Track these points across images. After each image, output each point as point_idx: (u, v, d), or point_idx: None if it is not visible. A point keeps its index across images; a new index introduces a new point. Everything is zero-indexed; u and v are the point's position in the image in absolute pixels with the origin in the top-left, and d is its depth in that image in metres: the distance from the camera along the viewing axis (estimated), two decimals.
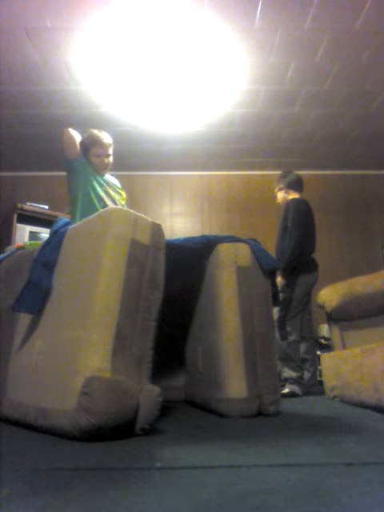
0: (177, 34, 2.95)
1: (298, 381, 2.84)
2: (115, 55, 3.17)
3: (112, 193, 2.61)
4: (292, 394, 2.78)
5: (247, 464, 0.98)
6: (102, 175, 2.61)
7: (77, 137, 2.50)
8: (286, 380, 2.87)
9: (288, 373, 2.87)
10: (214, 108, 3.88)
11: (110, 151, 2.60)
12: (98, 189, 2.52)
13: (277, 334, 2.91)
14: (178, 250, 1.99)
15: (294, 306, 2.94)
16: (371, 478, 0.87)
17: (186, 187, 5.20)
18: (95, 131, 2.59)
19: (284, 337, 2.90)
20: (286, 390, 2.82)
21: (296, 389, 2.82)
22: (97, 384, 1.28)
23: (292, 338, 2.90)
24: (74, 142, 2.46)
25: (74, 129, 2.56)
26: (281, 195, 3.30)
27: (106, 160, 2.58)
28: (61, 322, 1.54)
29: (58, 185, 4.95)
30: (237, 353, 1.86)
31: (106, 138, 2.59)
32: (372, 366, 2.02)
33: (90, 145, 2.54)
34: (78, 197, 2.50)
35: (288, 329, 2.91)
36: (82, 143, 2.54)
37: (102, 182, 2.59)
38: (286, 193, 3.24)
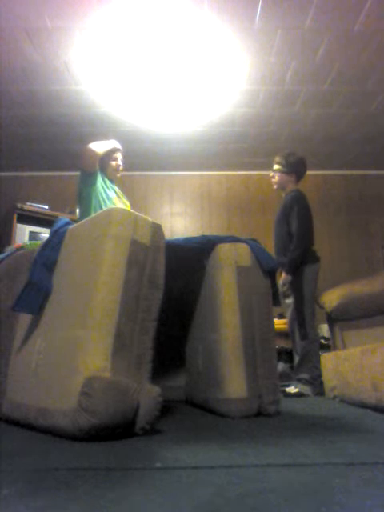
0: (177, 34, 2.95)
1: (310, 381, 2.76)
2: (115, 55, 3.17)
3: (119, 204, 2.78)
4: (300, 394, 2.73)
5: (247, 464, 0.98)
6: (113, 182, 2.86)
7: (101, 148, 2.66)
8: (300, 380, 2.80)
9: (302, 374, 2.79)
10: (214, 108, 3.88)
11: (122, 157, 2.91)
12: (108, 202, 2.70)
13: (296, 334, 2.83)
14: (178, 250, 1.99)
15: (308, 300, 2.85)
16: (371, 478, 0.87)
17: (186, 187, 5.20)
18: (114, 143, 2.87)
19: (304, 336, 2.79)
20: (296, 390, 2.77)
21: (307, 389, 2.75)
22: (97, 384, 1.28)
23: (312, 337, 2.81)
24: (96, 158, 2.63)
25: (91, 139, 2.73)
26: (280, 178, 3.10)
27: (121, 164, 2.89)
28: (61, 321, 1.54)
29: (58, 185, 4.95)
30: (237, 353, 1.86)
31: (119, 145, 2.89)
32: (372, 366, 2.02)
33: (110, 151, 2.80)
34: (90, 206, 2.67)
35: (307, 327, 2.80)
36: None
37: (111, 194, 2.77)
38: (289, 175, 3.07)
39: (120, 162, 2.88)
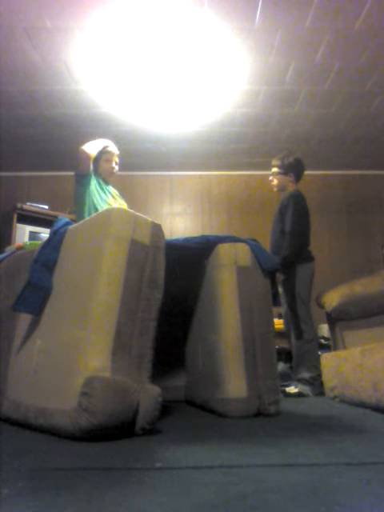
0: (176, 33, 2.95)
1: (310, 381, 2.74)
2: (115, 55, 3.17)
3: (115, 205, 2.78)
4: (300, 394, 2.71)
5: (247, 464, 0.98)
6: (107, 183, 2.86)
7: (94, 149, 2.68)
8: (299, 380, 2.79)
9: (301, 374, 2.77)
10: (215, 108, 3.88)
11: (117, 160, 2.89)
12: (102, 203, 2.72)
13: (292, 334, 2.82)
14: (178, 249, 1.99)
15: (301, 299, 2.82)
16: (371, 478, 0.87)
17: (186, 187, 5.20)
18: (107, 141, 2.88)
19: (299, 336, 2.78)
20: (296, 390, 2.75)
21: (307, 389, 2.73)
22: (97, 384, 1.28)
23: (308, 336, 2.78)
24: (89, 160, 2.66)
25: (88, 139, 2.76)
26: (279, 180, 3.06)
27: (114, 166, 2.87)
28: (61, 321, 1.54)
29: (58, 185, 4.95)
30: (237, 353, 1.86)
31: (115, 148, 2.89)
32: (372, 366, 2.02)
33: (102, 152, 2.79)
34: (84, 208, 2.69)
35: (303, 327, 2.78)
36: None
37: (105, 195, 2.78)
38: (287, 176, 3.02)
39: (114, 165, 2.86)
